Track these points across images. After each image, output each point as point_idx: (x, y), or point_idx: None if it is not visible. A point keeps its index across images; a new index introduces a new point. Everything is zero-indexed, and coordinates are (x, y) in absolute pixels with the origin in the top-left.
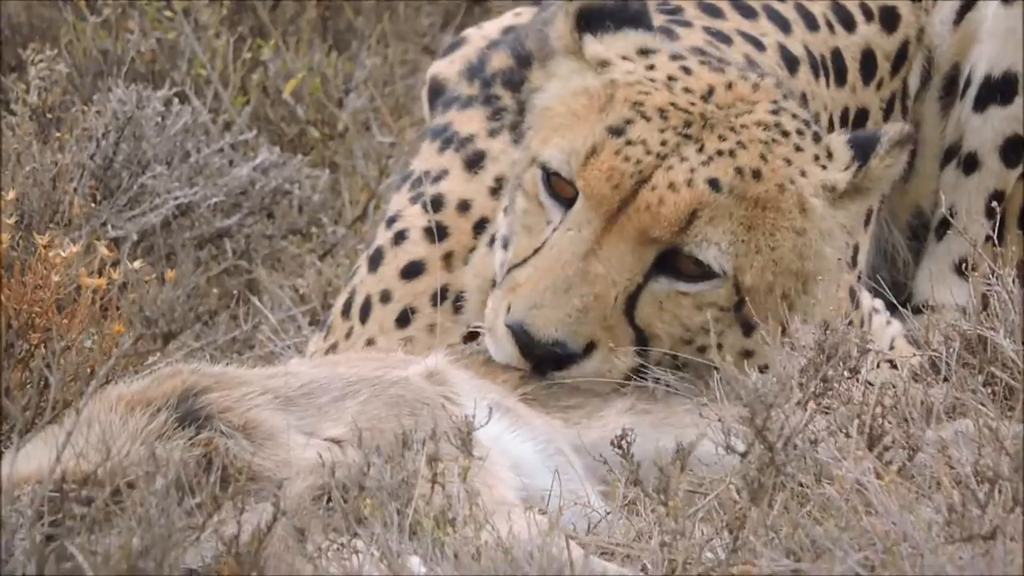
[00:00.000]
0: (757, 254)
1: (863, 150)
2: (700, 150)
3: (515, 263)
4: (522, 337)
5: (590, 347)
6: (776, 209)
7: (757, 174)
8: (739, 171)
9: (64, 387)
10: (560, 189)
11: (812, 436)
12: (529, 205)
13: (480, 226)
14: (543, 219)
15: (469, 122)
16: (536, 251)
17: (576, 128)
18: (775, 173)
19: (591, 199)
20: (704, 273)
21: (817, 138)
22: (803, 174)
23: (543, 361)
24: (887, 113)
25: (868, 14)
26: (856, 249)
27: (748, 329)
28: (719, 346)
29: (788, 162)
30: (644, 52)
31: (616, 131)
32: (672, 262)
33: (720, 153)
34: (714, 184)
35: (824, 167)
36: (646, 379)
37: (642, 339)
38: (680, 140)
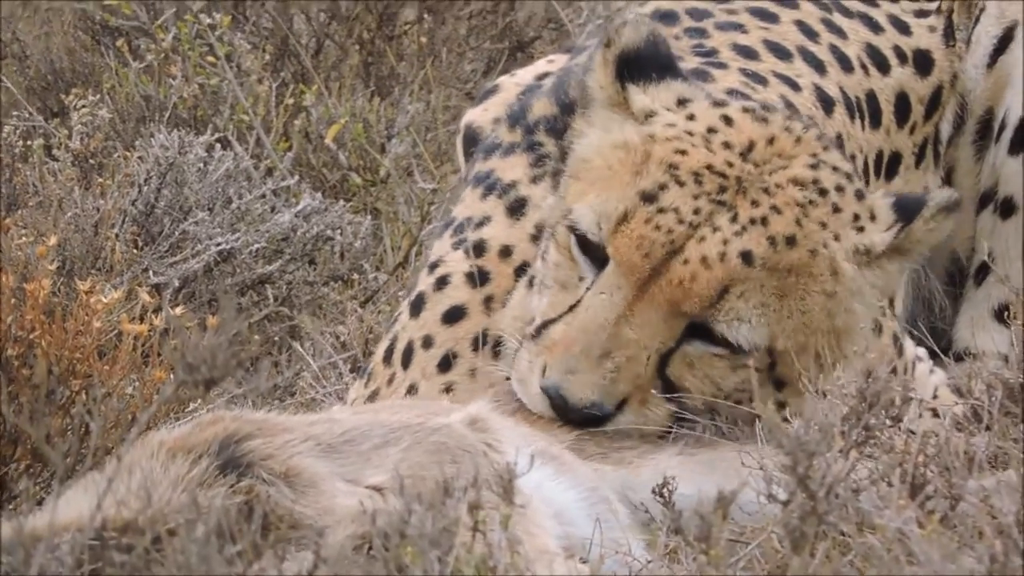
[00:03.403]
0: (788, 319)
1: (907, 212)
2: (733, 219)
3: (549, 318)
4: (557, 400)
5: (622, 403)
6: (808, 274)
7: (791, 241)
8: (772, 240)
9: (105, 434)
10: (592, 248)
11: (854, 485)
12: (561, 258)
13: (521, 271)
14: (576, 273)
15: (512, 169)
16: (571, 308)
17: (611, 186)
18: (808, 238)
19: (621, 266)
20: (735, 346)
21: (859, 195)
22: (837, 238)
23: (578, 421)
24: (919, 158)
25: (902, 57)
26: (892, 297)
27: (780, 385)
28: (751, 399)
29: (823, 225)
30: (683, 102)
31: (649, 197)
32: (704, 329)
33: (753, 222)
34: (747, 258)
35: (862, 228)
36: (685, 427)
37: (672, 390)
38: (713, 208)
